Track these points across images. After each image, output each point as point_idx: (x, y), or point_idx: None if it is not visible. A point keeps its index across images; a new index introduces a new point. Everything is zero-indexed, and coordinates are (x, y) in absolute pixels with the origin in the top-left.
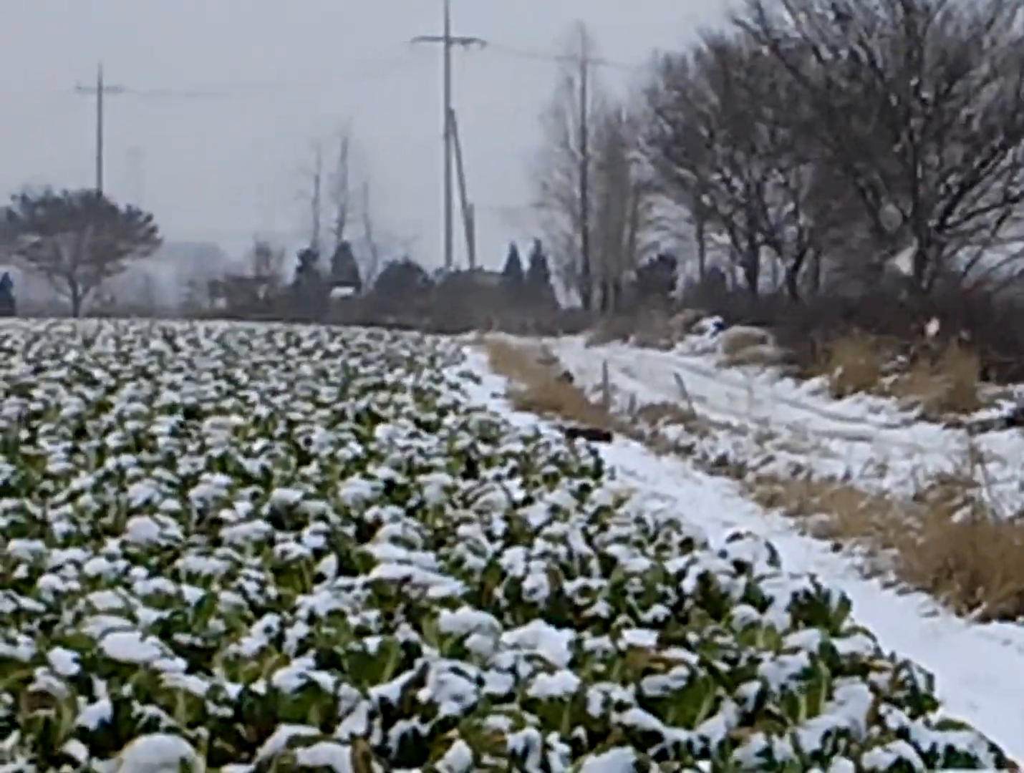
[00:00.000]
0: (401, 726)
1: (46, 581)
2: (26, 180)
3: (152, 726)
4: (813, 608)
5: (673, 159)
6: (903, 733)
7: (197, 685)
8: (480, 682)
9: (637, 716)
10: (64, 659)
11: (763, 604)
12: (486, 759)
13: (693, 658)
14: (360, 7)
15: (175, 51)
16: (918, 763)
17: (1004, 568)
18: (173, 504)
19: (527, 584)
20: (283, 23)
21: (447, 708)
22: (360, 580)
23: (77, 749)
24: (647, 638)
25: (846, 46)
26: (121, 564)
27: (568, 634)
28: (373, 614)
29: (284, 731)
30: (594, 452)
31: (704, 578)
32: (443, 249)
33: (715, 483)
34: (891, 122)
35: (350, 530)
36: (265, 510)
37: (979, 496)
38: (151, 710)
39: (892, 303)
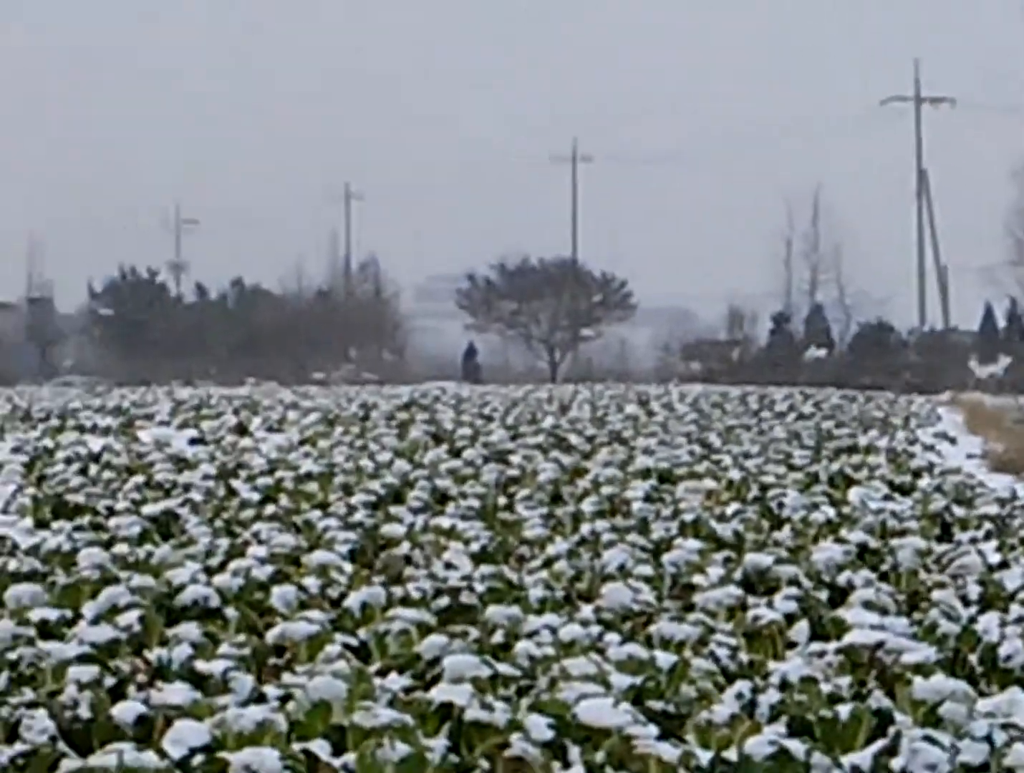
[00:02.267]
0: None
1: (522, 647)
2: (504, 249)
3: None
4: None
5: None
6: None
7: (669, 752)
8: (954, 751)
9: None
10: (539, 725)
11: None
12: None
13: None
14: (827, 68)
15: (646, 117)
16: None
17: None
18: (646, 569)
19: (1003, 650)
20: (746, 86)
21: None
22: (832, 646)
23: None
24: None
25: None
26: (595, 629)
27: None
28: (845, 680)
29: None
30: None
31: None
32: (917, 309)
33: None
34: None
35: (822, 595)
36: (737, 575)
37: None
38: None
39: None
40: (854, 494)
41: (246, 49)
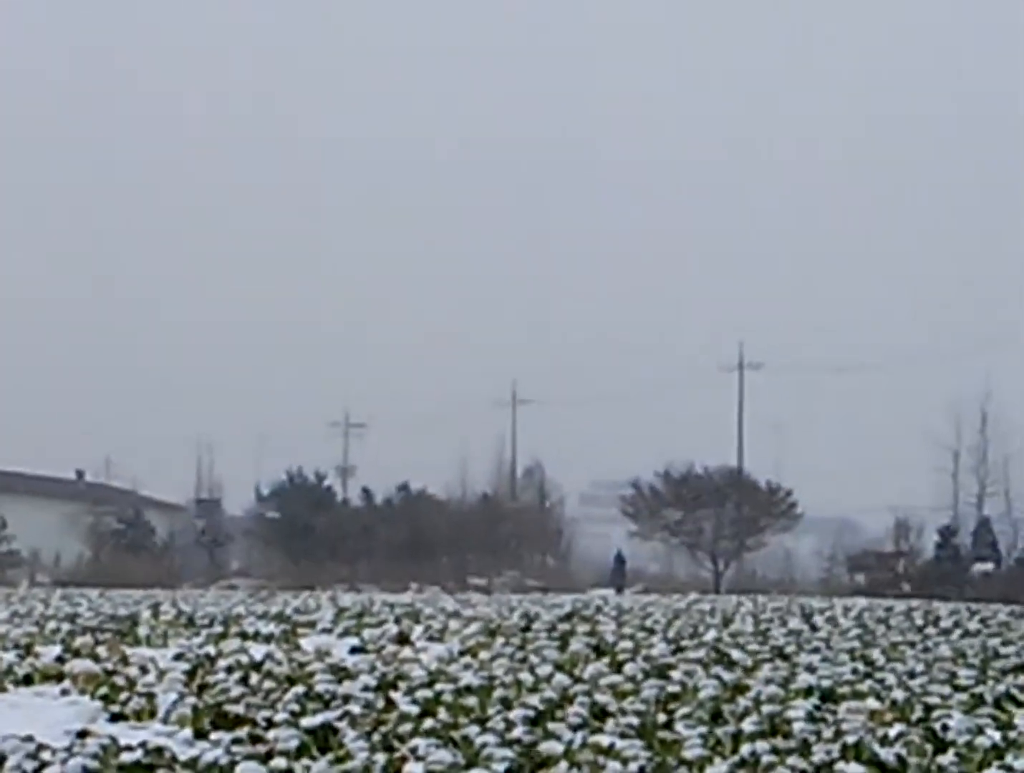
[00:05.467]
0: None
1: None
2: (669, 457)
3: None
4: None
5: None
6: None
7: None
8: None
9: None
10: None
11: None
12: None
13: None
14: (997, 284)
15: (813, 327)
16: None
17: None
18: None
19: None
20: (912, 300)
21: None
22: None
23: None
24: None
25: None
26: None
27: None
28: None
29: None
30: None
31: None
32: None
33: None
34: None
35: None
36: None
37: None
38: None
39: None
40: (1022, 718)
41: (408, 259)
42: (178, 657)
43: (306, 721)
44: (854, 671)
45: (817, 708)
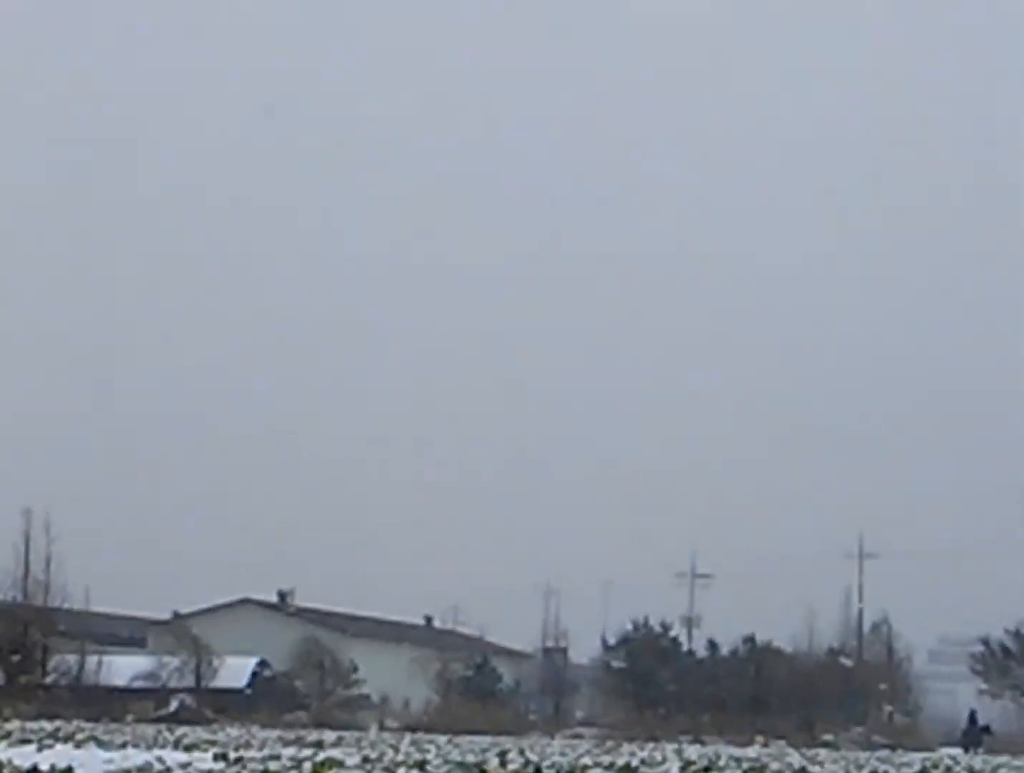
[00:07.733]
0: None
1: None
2: (1021, 614)
3: None
4: None
5: None
6: None
7: None
8: None
9: None
10: None
11: None
12: None
13: None
14: None
15: None
16: None
17: None
18: None
19: None
20: None
21: None
22: None
23: None
24: None
25: None
26: None
27: None
28: None
29: None
30: None
31: None
32: None
33: None
34: None
35: None
36: None
37: None
38: None
39: None
40: None
41: (752, 405)
42: None
43: None
44: None
45: None
